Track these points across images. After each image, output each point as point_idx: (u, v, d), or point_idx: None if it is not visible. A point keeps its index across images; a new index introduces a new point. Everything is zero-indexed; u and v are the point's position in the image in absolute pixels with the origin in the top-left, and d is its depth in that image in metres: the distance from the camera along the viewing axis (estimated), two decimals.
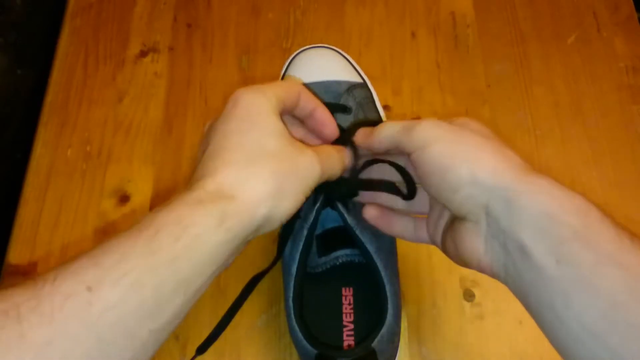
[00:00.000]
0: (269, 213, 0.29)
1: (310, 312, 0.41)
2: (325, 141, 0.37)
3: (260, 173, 0.29)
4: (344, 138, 0.37)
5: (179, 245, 0.26)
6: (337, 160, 0.35)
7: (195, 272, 0.26)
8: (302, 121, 0.37)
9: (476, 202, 0.30)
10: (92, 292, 0.23)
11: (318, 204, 0.39)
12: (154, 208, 0.27)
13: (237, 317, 0.46)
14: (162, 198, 0.51)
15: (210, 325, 0.46)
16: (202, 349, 0.37)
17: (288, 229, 0.40)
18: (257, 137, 0.30)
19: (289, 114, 0.36)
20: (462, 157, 0.30)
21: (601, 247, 0.26)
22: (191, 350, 0.45)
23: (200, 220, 0.27)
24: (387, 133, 0.34)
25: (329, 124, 0.37)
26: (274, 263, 0.39)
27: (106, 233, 0.50)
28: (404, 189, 0.36)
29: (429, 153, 0.31)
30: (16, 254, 0.49)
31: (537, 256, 0.27)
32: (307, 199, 0.33)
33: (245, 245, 0.31)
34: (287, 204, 0.30)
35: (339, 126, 0.38)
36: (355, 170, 0.38)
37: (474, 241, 0.31)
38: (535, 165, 0.51)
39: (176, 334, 0.46)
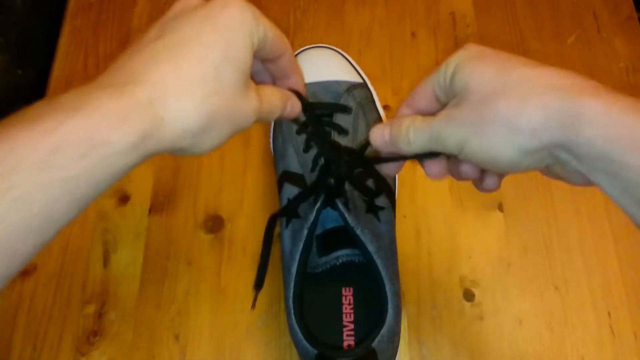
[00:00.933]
0: (188, 147, 0.27)
1: (311, 312, 0.41)
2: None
3: (199, 106, 0.26)
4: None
5: (82, 163, 0.23)
6: (277, 108, 0.32)
7: (94, 190, 0.24)
8: (264, 61, 0.33)
9: (539, 166, 0.28)
10: None
11: (319, 204, 0.39)
12: (70, 99, 0.24)
13: (237, 317, 0.46)
14: (162, 198, 0.51)
15: (210, 325, 0.46)
16: (259, 284, 0.38)
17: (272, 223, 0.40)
18: (220, 61, 0.27)
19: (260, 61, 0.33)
20: (498, 140, 0.27)
21: None
22: (191, 350, 0.45)
23: (117, 140, 0.24)
24: (416, 137, 0.31)
25: (295, 80, 0.34)
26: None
27: (106, 232, 0.50)
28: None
29: (467, 152, 0.29)
30: None
31: (614, 197, 0.26)
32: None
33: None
34: (208, 142, 0.28)
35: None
36: (362, 147, 0.37)
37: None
38: None
39: (176, 334, 0.46)
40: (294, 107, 0.34)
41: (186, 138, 0.26)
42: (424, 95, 0.33)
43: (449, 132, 0.29)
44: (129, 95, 0.24)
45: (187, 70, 0.26)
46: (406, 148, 0.32)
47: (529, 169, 0.28)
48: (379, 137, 0.33)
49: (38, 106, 0.24)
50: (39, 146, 0.22)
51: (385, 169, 0.36)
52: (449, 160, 0.33)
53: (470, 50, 0.30)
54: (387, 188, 0.45)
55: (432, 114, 0.31)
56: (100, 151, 0.23)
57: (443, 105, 0.32)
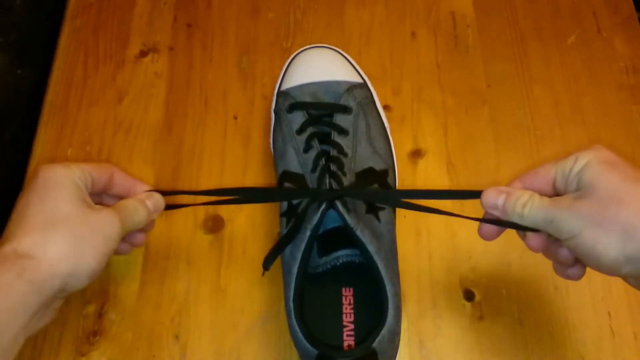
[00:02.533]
0: (72, 270, 0.33)
1: (311, 312, 0.41)
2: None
3: (55, 236, 0.33)
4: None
5: None
6: (139, 210, 0.38)
7: (5, 320, 0.30)
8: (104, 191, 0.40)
9: (637, 274, 0.31)
10: None
11: (323, 206, 0.39)
12: None
13: (237, 317, 0.46)
14: None
15: (210, 325, 0.46)
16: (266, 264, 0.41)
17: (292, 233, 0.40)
18: (53, 204, 0.34)
19: (105, 193, 0.40)
20: (610, 241, 0.30)
21: None
22: (191, 350, 0.45)
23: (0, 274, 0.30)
24: (531, 214, 0.34)
25: (136, 186, 0.41)
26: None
27: None
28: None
29: (576, 242, 0.32)
30: None
31: None
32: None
33: (61, 302, 0.36)
34: (90, 260, 0.34)
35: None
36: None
37: None
38: (536, 165, 0.51)
39: (176, 334, 0.46)
40: (158, 203, 0.40)
41: (62, 263, 0.33)
42: (544, 177, 0.35)
43: (566, 219, 0.32)
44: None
45: (30, 224, 0.33)
46: (515, 220, 0.35)
47: (626, 275, 0.31)
48: (492, 200, 0.36)
49: None
50: None
51: (485, 230, 0.39)
52: (549, 238, 0.36)
53: (601, 153, 0.33)
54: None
55: (544, 195, 0.35)
56: None
57: (556, 192, 0.35)
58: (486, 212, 0.37)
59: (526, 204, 0.34)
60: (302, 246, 0.39)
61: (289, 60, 0.50)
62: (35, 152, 0.53)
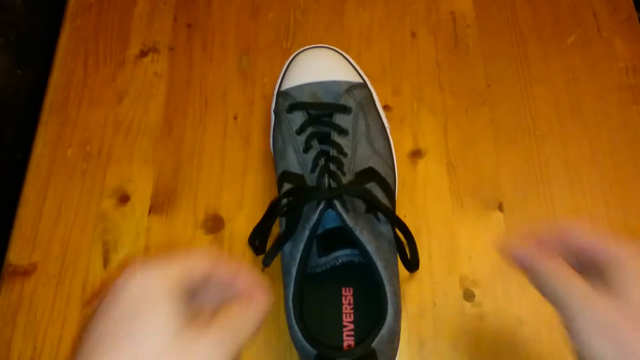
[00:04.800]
0: None
1: (310, 312, 0.41)
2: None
3: None
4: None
5: None
6: (249, 323, 0.29)
7: None
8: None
9: None
10: None
11: (322, 205, 0.39)
12: None
13: None
14: (162, 198, 0.51)
15: None
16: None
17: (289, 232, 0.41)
18: (143, 337, 0.26)
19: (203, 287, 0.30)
20: None
21: None
22: None
23: None
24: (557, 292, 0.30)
25: (256, 291, 0.31)
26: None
27: (106, 232, 0.50)
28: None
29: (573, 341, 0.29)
30: (16, 254, 0.49)
31: None
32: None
33: None
34: None
35: None
36: None
37: None
38: (536, 165, 0.51)
39: None
40: (263, 311, 0.30)
41: None
42: (582, 242, 0.31)
43: (578, 315, 0.29)
44: None
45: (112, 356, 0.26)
46: (529, 279, 0.32)
47: None
48: (518, 252, 0.33)
49: None
50: None
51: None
52: None
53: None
54: (388, 192, 0.45)
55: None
56: None
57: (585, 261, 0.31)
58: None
59: (548, 273, 0.31)
60: (301, 246, 0.39)
61: (289, 60, 0.50)
62: (35, 152, 0.53)
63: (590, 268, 0.31)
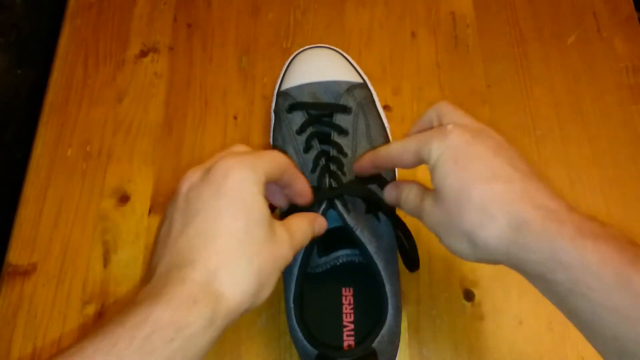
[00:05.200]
0: (250, 306, 0.30)
1: (311, 312, 0.41)
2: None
3: (248, 268, 0.29)
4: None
5: (173, 346, 0.26)
6: (308, 233, 0.35)
7: None
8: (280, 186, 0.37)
9: (489, 260, 0.31)
10: None
11: (323, 206, 0.39)
12: (146, 295, 0.27)
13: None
14: (162, 198, 0.51)
15: None
16: None
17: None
18: (247, 224, 0.30)
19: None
20: (462, 247, 0.31)
21: (592, 298, 0.27)
22: None
23: (193, 322, 0.27)
24: (408, 209, 0.36)
25: (306, 196, 0.38)
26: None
27: (106, 232, 0.50)
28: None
29: (441, 242, 0.33)
30: (16, 254, 0.49)
31: (555, 305, 0.29)
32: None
33: None
34: (264, 295, 0.31)
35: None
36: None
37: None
38: (535, 165, 0.51)
39: None
40: (322, 226, 0.38)
41: (247, 301, 0.29)
42: (406, 161, 0.35)
43: (428, 224, 0.34)
44: (190, 281, 0.28)
45: (224, 247, 0.29)
46: (407, 213, 0.37)
47: (491, 264, 0.32)
48: (389, 196, 0.39)
49: (121, 311, 0.27)
50: (135, 335, 0.25)
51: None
52: None
53: (448, 145, 0.32)
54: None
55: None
56: (184, 333, 0.26)
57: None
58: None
59: (405, 201, 0.36)
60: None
61: (289, 60, 0.50)
62: (35, 152, 0.53)
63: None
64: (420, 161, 0.34)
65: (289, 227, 0.33)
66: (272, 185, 0.36)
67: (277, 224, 0.32)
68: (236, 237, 0.30)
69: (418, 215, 0.35)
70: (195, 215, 0.30)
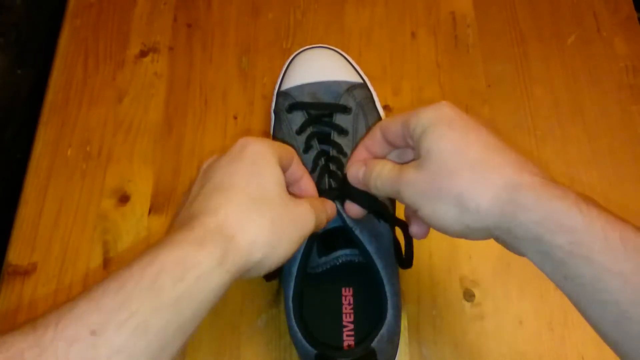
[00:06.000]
0: (263, 258, 0.29)
1: (310, 312, 0.41)
2: None
3: (260, 218, 0.30)
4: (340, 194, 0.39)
5: (181, 286, 0.25)
6: (325, 213, 0.36)
7: (196, 314, 0.26)
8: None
9: (485, 238, 0.31)
10: (97, 336, 0.23)
11: None
12: (155, 243, 0.27)
13: (237, 318, 0.46)
14: (162, 198, 0.51)
15: (210, 326, 0.46)
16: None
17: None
18: (262, 182, 0.31)
19: None
20: (448, 214, 0.30)
21: (596, 261, 0.26)
22: (191, 350, 0.45)
23: (202, 261, 0.27)
24: (382, 186, 0.35)
25: (312, 194, 0.38)
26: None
27: (106, 232, 0.50)
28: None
29: (421, 214, 0.32)
30: (16, 254, 0.49)
31: (547, 273, 0.28)
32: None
33: None
34: (281, 252, 0.31)
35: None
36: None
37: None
38: (536, 165, 0.51)
39: None
40: (333, 210, 0.38)
41: (260, 248, 0.29)
42: (397, 135, 0.35)
43: (408, 194, 0.32)
44: (200, 226, 0.28)
45: (237, 196, 0.30)
46: (374, 192, 0.36)
47: (476, 239, 0.31)
48: (354, 175, 0.37)
49: (133, 258, 0.27)
50: (144, 274, 0.25)
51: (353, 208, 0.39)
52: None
53: (441, 113, 0.32)
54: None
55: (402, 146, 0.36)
56: (193, 272, 0.26)
57: (406, 143, 0.35)
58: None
59: (378, 176, 0.35)
60: (302, 246, 0.39)
61: (289, 60, 0.50)
62: (35, 152, 0.53)
63: (409, 152, 0.36)
64: (404, 132, 0.33)
65: (309, 201, 0.34)
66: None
67: (293, 196, 0.33)
68: (250, 190, 0.30)
69: (395, 189, 0.33)
70: (212, 178, 0.31)
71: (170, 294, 0.25)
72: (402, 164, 0.34)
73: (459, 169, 0.30)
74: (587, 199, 0.28)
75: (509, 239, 0.29)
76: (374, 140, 0.37)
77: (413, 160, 0.33)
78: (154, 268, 0.25)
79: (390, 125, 0.35)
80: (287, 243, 0.31)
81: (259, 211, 0.30)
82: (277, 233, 0.30)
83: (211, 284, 0.27)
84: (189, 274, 0.26)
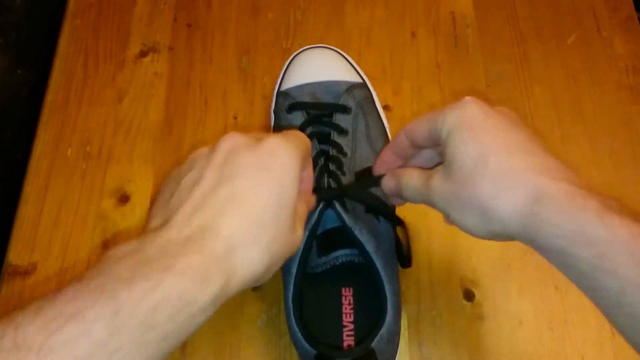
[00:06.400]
0: (249, 286, 0.29)
1: (310, 312, 0.41)
2: None
3: (263, 253, 0.28)
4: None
5: (173, 322, 0.24)
6: (306, 213, 0.35)
7: (175, 346, 0.25)
8: None
9: (509, 240, 0.30)
10: None
11: (321, 205, 0.39)
12: (161, 252, 0.25)
13: (237, 318, 0.46)
14: None
15: (210, 326, 0.46)
16: None
17: None
18: (278, 210, 0.29)
19: None
20: (474, 222, 0.30)
21: (621, 275, 0.26)
22: (191, 350, 0.45)
23: (201, 299, 0.25)
24: (412, 195, 0.35)
25: (309, 187, 0.37)
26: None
27: (106, 232, 0.50)
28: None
29: (451, 220, 0.32)
30: (16, 254, 0.49)
31: (574, 282, 0.28)
32: None
33: None
34: (267, 277, 0.30)
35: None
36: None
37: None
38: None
39: None
40: (312, 203, 0.38)
41: (251, 282, 0.28)
42: (419, 134, 0.35)
43: (436, 201, 0.32)
44: (209, 250, 0.26)
45: (252, 221, 0.28)
46: (409, 202, 0.36)
47: (501, 241, 0.31)
48: (388, 189, 0.37)
49: (130, 262, 0.25)
50: (141, 305, 0.23)
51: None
52: None
53: (465, 113, 0.32)
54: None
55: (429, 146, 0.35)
56: (188, 310, 0.25)
57: (433, 144, 0.34)
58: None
59: (407, 186, 0.35)
60: (301, 246, 0.39)
61: (288, 60, 0.50)
62: (35, 152, 0.53)
63: (437, 154, 0.35)
64: (431, 134, 0.33)
65: (300, 217, 0.33)
66: None
67: (298, 214, 0.32)
68: (265, 217, 0.28)
69: (425, 195, 0.33)
70: (231, 178, 0.29)
71: (160, 331, 0.24)
72: (430, 168, 0.34)
73: (481, 178, 0.29)
74: (611, 204, 0.27)
75: (534, 247, 0.29)
76: (399, 144, 0.37)
77: (439, 164, 0.33)
78: (152, 301, 0.24)
79: (416, 127, 0.35)
80: (273, 271, 0.30)
81: (265, 245, 0.28)
82: (269, 268, 0.29)
83: (201, 319, 0.26)
84: (185, 309, 0.25)
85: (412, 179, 0.34)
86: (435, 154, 0.36)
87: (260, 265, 0.28)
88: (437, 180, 0.32)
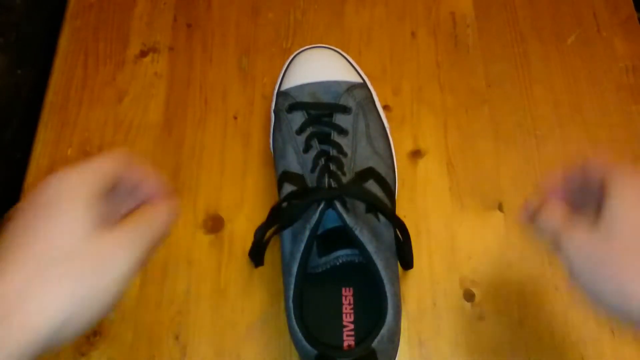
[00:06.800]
0: (61, 328, 0.25)
1: (310, 312, 0.41)
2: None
3: (53, 286, 0.25)
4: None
5: None
6: (156, 224, 0.30)
7: None
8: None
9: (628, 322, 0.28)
10: None
11: (322, 205, 0.39)
12: None
13: (237, 317, 0.46)
14: None
15: (210, 325, 0.46)
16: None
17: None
18: (58, 232, 0.26)
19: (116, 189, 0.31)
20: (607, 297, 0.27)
21: None
22: (191, 350, 0.45)
23: None
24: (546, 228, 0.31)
25: (156, 196, 0.32)
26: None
27: None
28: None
29: (577, 282, 0.29)
30: None
31: None
32: None
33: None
34: (88, 315, 0.26)
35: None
36: None
37: None
38: (536, 165, 0.51)
39: (176, 334, 0.46)
40: (171, 213, 0.32)
41: (51, 322, 0.25)
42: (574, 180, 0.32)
43: (569, 253, 0.29)
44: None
45: (26, 260, 0.26)
46: (537, 230, 0.32)
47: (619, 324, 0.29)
48: (527, 209, 0.33)
49: None
50: None
51: None
52: None
53: (630, 184, 0.29)
54: (388, 192, 0.45)
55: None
56: None
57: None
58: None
59: (547, 218, 0.31)
60: (302, 246, 0.39)
61: (288, 60, 0.50)
62: (35, 152, 0.53)
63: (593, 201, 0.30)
64: (591, 175, 0.30)
65: (134, 219, 0.29)
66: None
67: (115, 226, 0.28)
68: (41, 251, 0.26)
69: (557, 239, 0.30)
70: (9, 232, 0.27)
71: None
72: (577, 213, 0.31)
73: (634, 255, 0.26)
74: None
75: None
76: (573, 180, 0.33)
77: (593, 218, 0.29)
78: None
79: (587, 168, 0.32)
80: (97, 301, 0.26)
81: (52, 276, 0.25)
82: (79, 296, 0.25)
83: None
84: None
85: (554, 214, 0.31)
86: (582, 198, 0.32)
87: (49, 303, 0.25)
88: (583, 234, 0.28)
